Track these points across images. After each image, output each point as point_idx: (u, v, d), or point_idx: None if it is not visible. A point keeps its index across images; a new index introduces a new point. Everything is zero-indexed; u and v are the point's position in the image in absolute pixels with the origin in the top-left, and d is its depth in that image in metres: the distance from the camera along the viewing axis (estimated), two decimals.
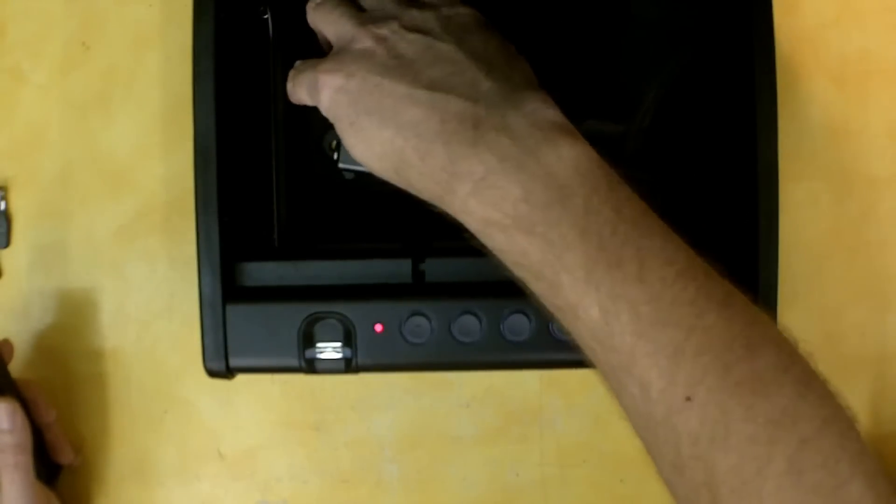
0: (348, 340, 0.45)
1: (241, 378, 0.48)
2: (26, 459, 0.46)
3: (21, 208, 0.54)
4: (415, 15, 0.40)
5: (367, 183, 0.47)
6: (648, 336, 0.33)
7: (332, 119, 0.41)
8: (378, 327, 0.45)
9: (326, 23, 0.42)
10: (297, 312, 0.45)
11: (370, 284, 0.46)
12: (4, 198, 0.54)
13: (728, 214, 0.47)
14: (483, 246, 0.38)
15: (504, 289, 0.46)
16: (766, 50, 0.46)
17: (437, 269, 0.47)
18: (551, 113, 0.37)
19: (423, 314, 0.45)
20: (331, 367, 0.46)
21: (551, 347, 0.45)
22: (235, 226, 0.46)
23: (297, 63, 0.43)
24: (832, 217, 0.54)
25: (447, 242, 0.49)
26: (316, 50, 0.48)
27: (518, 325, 0.45)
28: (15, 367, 0.50)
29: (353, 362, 0.45)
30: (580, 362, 0.47)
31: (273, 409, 0.54)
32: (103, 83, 0.54)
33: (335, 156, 0.47)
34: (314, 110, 0.51)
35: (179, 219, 0.54)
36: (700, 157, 0.49)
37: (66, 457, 0.51)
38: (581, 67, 0.49)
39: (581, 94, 0.45)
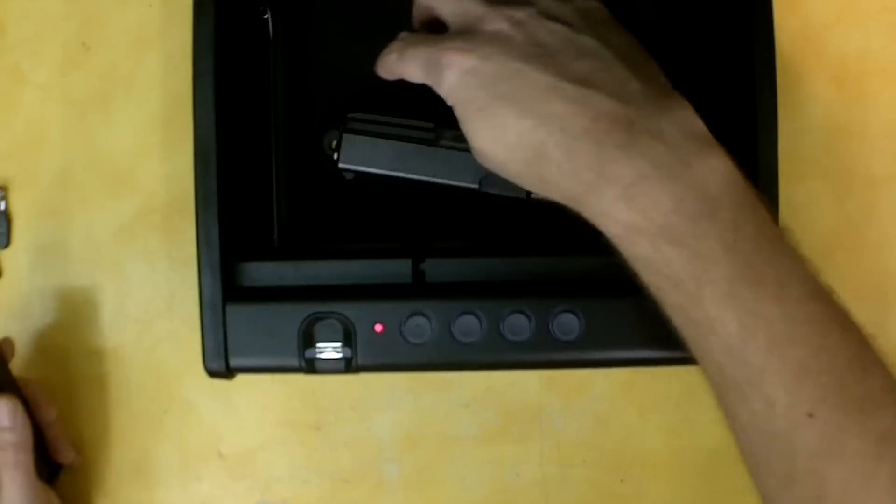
0: (348, 340, 0.45)
1: (241, 378, 0.48)
2: (26, 458, 0.46)
3: (21, 208, 0.54)
4: (550, 4, 0.39)
5: (368, 183, 0.47)
6: (780, 353, 0.34)
7: (453, 101, 0.39)
8: (378, 327, 0.45)
9: (448, 2, 0.40)
10: (297, 312, 0.45)
11: (370, 284, 0.46)
12: (4, 198, 0.54)
13: None
14: (616, 252, 0.37)
15: (504, 289, 0.46)
16: (766, 50, 0.46)
17: (437, 269, 0.47)
18: (699, 123, 0.37)
19: (423, 314, 0.45)
20: (331, 367, 0.46)
21: (551, 347, 0.45)
22: (235, 226, 0.46)
23: (404, 34, 0.41)
24: (832, 217, 0.54)
25: (447, 242, 0.49)
26: (318, 49, 0.48)
27: (518, 325, 0.45)
28: (15, 367, 0.50)
29: (353, 362, 0.45)
30: (580, 362, 0.47)
31: (273, 409, 0.54)
32: (103, 83, 0.54)
33: (335, 156, 0.47)
34: (314, 110, 0.52)
35: (179, 219, 0.54)
36: None
37: (66, 456, 0.51)
38: None
39: None
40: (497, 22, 0.38)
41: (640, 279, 0.37)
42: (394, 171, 0.46)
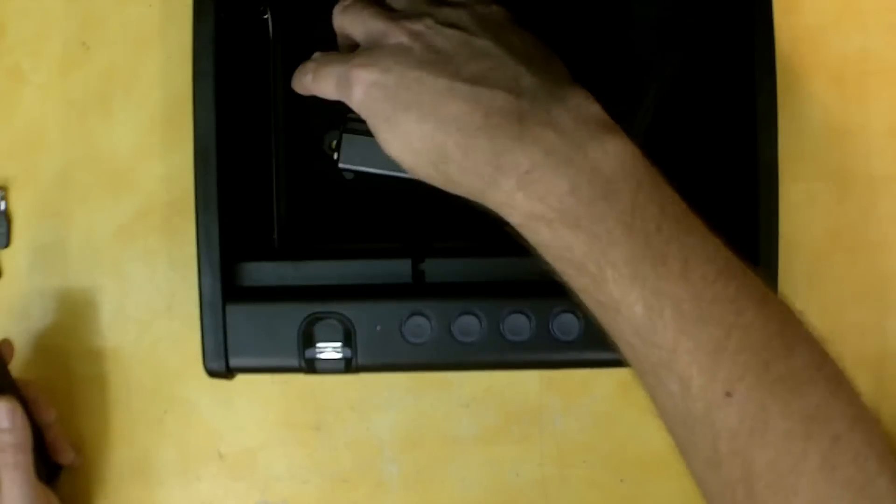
0: (348, 340, 0.45)
1: (241, 378, 0.48)
2: (26, 459, 0.46)
3: (21, 208, 0.54)
4: (448, 12, 0.40)
5: (368, 183, 0.47)
6: (690, 333, 0.34)
7: (364, 115, 0.40)
8: (378, 327, 0.45)
9: (356, 23, 0.42)
10: (297, 312, 0.45)
11: (370, 284, 0.46)
12: (4, 198, 0.54)
13: (728, 214, 0.47)
14: (523, 241, 0.38)
15: (504, 289, 0.46)
16: (766, 50, 0.46)
17: (437, 269, 0.47)
18: (595, 108, 0.37)
19: (423, 314, 0.45)
20: (331, 367, 0.46)
21: (551, 347, 0.45)
22: (235, 226, 0.46)
23: (318, 55, 0.43)
24: (832, 217, 0.54)
25: (447, 242, 0.49)
26: (318, 49, 0.48)
27: (518, 325, 0.45)
28: (15, 367, 0.50)
29: (353, 362, 0.45)
30: (580, 362, 0.47)
31: (273, 409, 0.54)
32: (103, 83, 0.54)
33: (335, 156, 0.47)
34: (314, 110, 0.52)
35: (179, 219, 0.54)
36: (700, 157, 0.49)
37: (66, 457, 0.51)
38: (581, 67, 0.49)
39: None
40: (397, 35, 0.40)
41: (547, 266, 0.37)
42: (394, 171, 0.46)
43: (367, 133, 0.46)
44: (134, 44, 0.54)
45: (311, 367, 0.46)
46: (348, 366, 0.46)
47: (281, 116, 0.50)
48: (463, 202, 0.47)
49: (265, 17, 0.49)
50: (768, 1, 0.46)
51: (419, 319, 0.45)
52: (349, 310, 0.45)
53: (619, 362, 0.47)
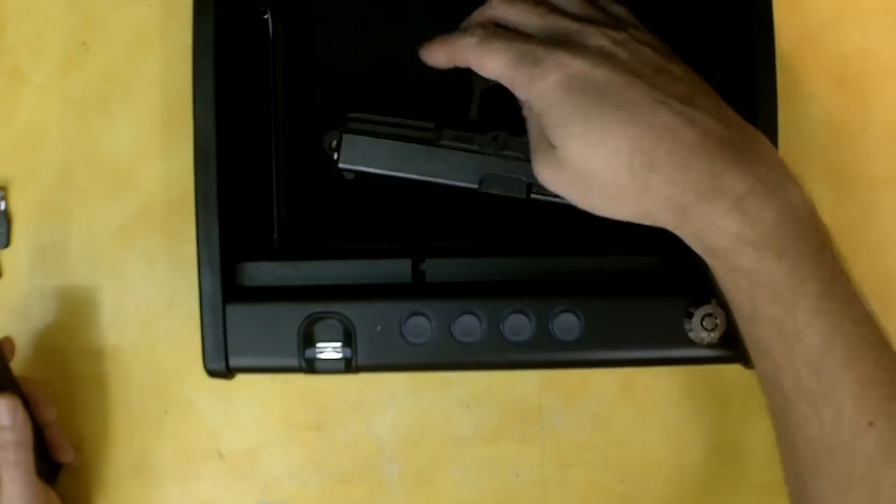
0: (348, 340, 0.45)
1: (241, 378, 0.48)
2: (26, 457, 0.46)
3: (21, 208, 0.54)
4: (642, 33, 0.41)
5: (368, 183, 0.47)
6: (852, 367, 0.37)
7: (548, 102, 0.38)
8: (378, 327, 0.45)
9: (533, 14, 0.41)
10: (297, 312, 0.45)
11: (370, 284, 0.46)
12: (4, 198, 0.54)
13: None
14: (701, 263, 0.39)
15: (504, 289, 0.46)
16: (766, 50, 0.46)
17: (437, 269, 0.47)
18: (778, 154, 0.40)
19: (423, 314, 0.45)
20: (331, 367, 0.46)
21: (551, 347, 0.45)
22: (235, 226, 0.46)
23: (478, 29, 0.41)
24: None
25: (447, 242, 0.49)
26: (318, 49, 0.48)
27: (518, 325, 0.45)
28: (15, 367, 0.50)
29: (353, 362, 0.45)
30: (580, 362, 0.47)
31: (273, 409, 0.54)
32: (103, 83, 0.54)
33: (335, 156, 0.47)
34: (314, 110, 0.52)
35: (179, 219, 0.54)
36: None
37: (66, 455, 0.51)
38: None
39: None
40: (598, 38, 0.39)
41: (729, 293, 0.40)
42: (394, 171, 0.46)
43: (368, 133, 0.46)
44: (134, 44, 0.54)
45: (311, 367, 0.46)
46: (348, 366, 0.46)
47: (281, 116, 0.50)
48: (463, 202, 0.47)
49: (265, 17, 0.49)
50: (768, 1, 0.46)
51: (419, 319, 0.45)
52: (349, 310, 0.45)
53: (619, 362, 0.47)
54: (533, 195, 0.46)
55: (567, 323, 0.45)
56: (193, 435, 0.54)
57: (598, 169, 0.38)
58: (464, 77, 0.47)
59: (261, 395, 0.54)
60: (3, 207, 0.54)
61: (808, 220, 0.38)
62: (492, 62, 0.40)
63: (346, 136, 0.46)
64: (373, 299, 0.45)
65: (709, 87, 0.40)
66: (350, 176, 0.47)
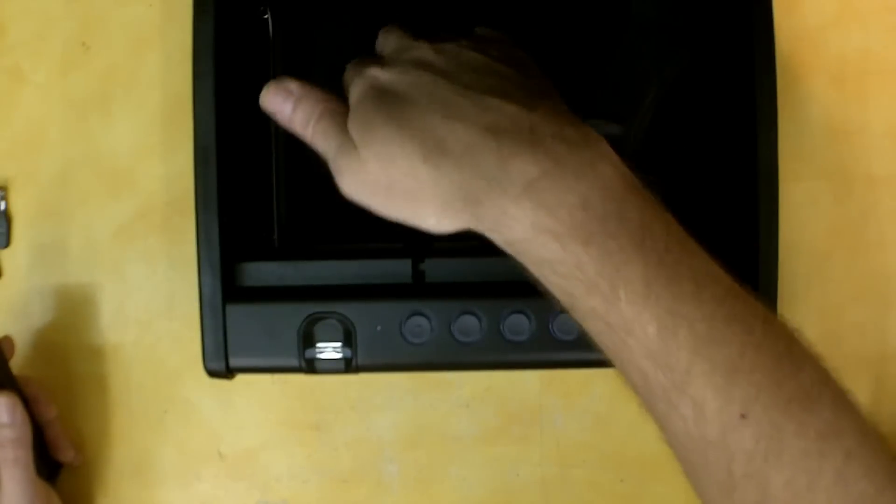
0: (348, 340, 0.45)
1: (241, 378, 0.48)
2: (26, 454, 0.46)
3: (21, 208, 0.54)
4: (473, 42, 0.40)
5: None
6: (705, 354, 0.33)
7: (354, 110, 0.38)
8: (378, 327, 0.45)
9: (389, 40, 0.42)
10: (297, 312, 0.45)
11: (370, 284, 0.46)
12: (4, 198, 0.54)
13: (728, 214, 0.47)
14: (515, 261, 0.36)
15: (504, 289, 0.46)
16: (766, 50, 0.46)
17: (437, 269, 0.47)
18: (600, 138, 0.36)
19: (423, 314, 0.45)
20: (331, 367, 0.46)
21: (551, 347, 0.45)
22: (235, 226, 0.46)
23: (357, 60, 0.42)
24: (832, 217, 0.54)
25: (447, 242, 0.49)
26: (318, 49, 0.48)
27: (518, 325, 0.45)
28: (15, 366, 0.50)
29: (353, 362, 0.45)
30: (580, 362, 0.47)
31: (273, 409, 0.54)
32: (103, 83, 0.54)
33: None
34: None
35: (179, 219, 0.54)
36: (700, 158, 0.49)
37: (66, 454, 0.51)
38: (581, 67, 0.49)
39: (581, 94, 0.45)
40: (422, 50, 0.39)
41: (546, 287, 0.36)
42: None
43: None
44: (134, 44, 0.54)
45: (311, 367, 0.46)
46: (348, 366, 0.46)
47: None
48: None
49: (265, 17, 0.49)
50: (768, 1, 0.46)
51: (419, 319, 0.45)
52: (349, 310, 0.45)
53: None
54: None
55: (567, 323, 0.45)
56: (193, 435, 0.54)
57: (395, 159, 0.36)
58: None
59: (261, 395, 0.54)
60: (3, 207, 0.54)
61: (626, 198, 0.34)
62: (348, 87, 0.40)
63: None
64: (373, 299, 0.45)
65: (540, 82, 0.39)
66: None
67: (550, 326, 0.45)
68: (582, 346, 0.45)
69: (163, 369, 0.54)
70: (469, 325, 0.45)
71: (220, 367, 0.46)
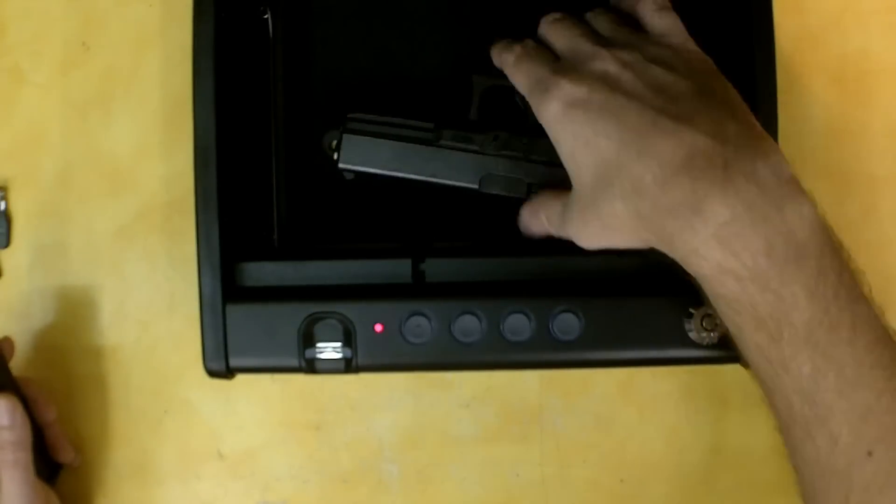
0: (348, 340, 0.45)
1: (241, 378, 0.48)
2: (26, 456, 0.46)
3: (21, 208, 0.54)
4: (657, 50, 0.40)
5: (368, 183, 0.47)
6: (847, 396, 0.36)
7: (556, 129, 0.40)
8: (378, 327, 0.45)
9: (563, 37, 0.42)
10: (297, 312, 0.45)
11: (370, 284, 0.46)
12: (4, 198, 0.54)
13: None
14: (695, 284, 0.39)
15: (504, 289, 0.46)
16: (766, 50, 0.46)
17: (437, 269, 0.47)
18: (790, 169, 0.38)
19: (423, 314, 0.45)
20: (331, 367, 0.46)
21: (551, 347, 0.45)
22: (235, 226, 0.46)
23: (529, 42, 0.43)
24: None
25: (447, 242, 0.49)
26: (318, 49, 0.48)
27: (518, 325, 0.45)
28: (15, 367, 0.50)
29: (353, 362, 0.45)
30: (580, 362, 0.47)
31: (273, 409, 0.54)
32: (103, 83, 0.54)
33: (335, 156, 0.47)
34: (314, 110, 0.51)
35: (179, 219, 0.54)
36: None
37: (66, 455, 0.51)
38: None
39: None
40: (606, 62, 0.40)
41: (720, 315, 0.39)
42: (393, 171, 0.46)
43: (368, 133, 0.46)
44: (134, 44, 0.54)
45: (311, 367, 0.46)
46: (348, 366, 0.46)
47: (281, 116, 0.50)
48: (463, 202, 0.47)
49: (265, 17, 0.49)
50: (768, 1, 0.46)
51: (419, 319, 0.45)
52: (349, 310, 0.45)
53: (619, 362, 0.47)
54: (533, 195, 0.46)
55: (567, 323, 0.45)
56: (193, 435, 0.54)
57: (596, 197, 0.39)
58: (464, 77, 0.47)
59: (261, 395, 0.54)
60: (3, 207, 0.54)
61: (808, 243, 0.36)
62: (518, 83, 0.43)
63: (346, 137, 0.46)
64: (373, 299, 0.45)
65: (724, 94, 0.40)
66: (350, 176, 0.47)
67: (550, 326, 0.45)
68: (582, 346, 0.45)
69: (163, 369, 0.54)
70: (469, 325, 0.45)
71: (220, 367, 0.46)
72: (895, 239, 0.54)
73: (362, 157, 0.46)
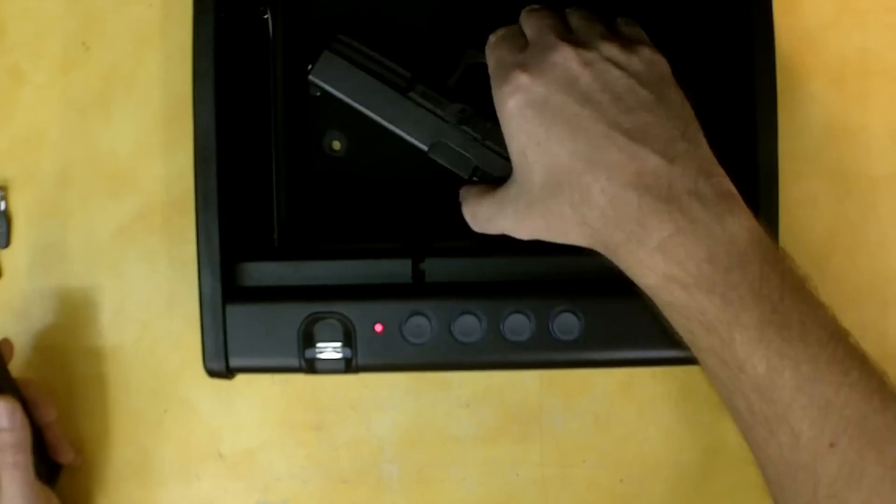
0: (348, 340, 0.45)
1: (241, 378, 0.48)
2: (25, 458, 0.46)
3: (21, 208, 0.54)
4: (618, 52, 0.41)
5: (367, 183, 0.47)
6: (805, 391, 0.37)
7: (509, 126, 0.41)
8: (378, 327, 0.45)
9: (533, 27, 0.43)
10: (297, 312, 0.45)
11: (370, 284, 0.46)
12: (4, 198, 0.54)
13: None
14: (649, 300, 0.40)
15: (504, 289, 0.46)
16: (766, 50, 0.46)
17: (437, 269, 0.47)
18: (730, 184, 0.40)
19: (423, 314, 0.45)
20: (331, 367, 0.46)
21: (551, 347, 0.45)
22: (235, 226, 0.46)
23: (509, 28, 0.44)
24: (832, 217, 0.54)
25: (447, 242, 0.49)
26: (318, 49, 0.48)
27: (518, 325, 0.45)
28: (15, 367, 0.50)
29: (353, 362, 0.45)
30: (580, 362, 0.47)
31: (273, 409, 0.54)
32: (103, 83, 0.54)
33: (309, 66, 0.47)
34: (314, 110, 0.52)
35: (179, 219, 0.54)
36: None
37: (66, 456, 0.51)
38: None
39: None
40: (567, 57, 0.40)
41: (671, 324, 0.40)
42: (357, 102, 0.47)
43: (348, 59, 0.47)
44: (134, 44, 0.54)
45: (311, 367, 0.46)
46: (348, 366, 0.46)
47: (281, 116, 0.50)
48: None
49: (265, 17, 0.49)
50: (768, 1, 0.46)
51: (419, 319, 0.45)
52: (349, 310, 0.45)
53: (619, 362, 0.47)
54: (474, 179, 0.47)
55: (567, 323, 0.45)
56: (193, 435, 0.54)
57: (545, 196, 0.40)
58: (460, 50, 0.48)
59: (261, 395, 0.54)
60: (3, 207, 0.54)
61: (749, 251, 0.38)
62: (489, 65, 0.43)
63: (326, 53, 0.47)
64: (373, 299, 0.45)
65: (678, 108, 0.41)
66: (315, 92, 0.48)
67: (550, 326, 0.45)
68: (582, 346, 0.45)
69: (163, 369, 0.54)
70: (469, 325, 0.45)
71: (220, 367, 0.46)
72: (895, 239, 0.54)
73: (333, 77, 0.47)
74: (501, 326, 0.45)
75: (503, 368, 0.50)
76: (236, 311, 0.45)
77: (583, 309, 0.45)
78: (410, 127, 0.47)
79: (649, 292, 0.40)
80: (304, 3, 0.51)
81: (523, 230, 0.42)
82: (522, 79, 0.40)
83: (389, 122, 0.47)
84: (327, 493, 0.54)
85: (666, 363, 0.46)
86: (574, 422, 0.54)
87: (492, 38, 0.44)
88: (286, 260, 0.47)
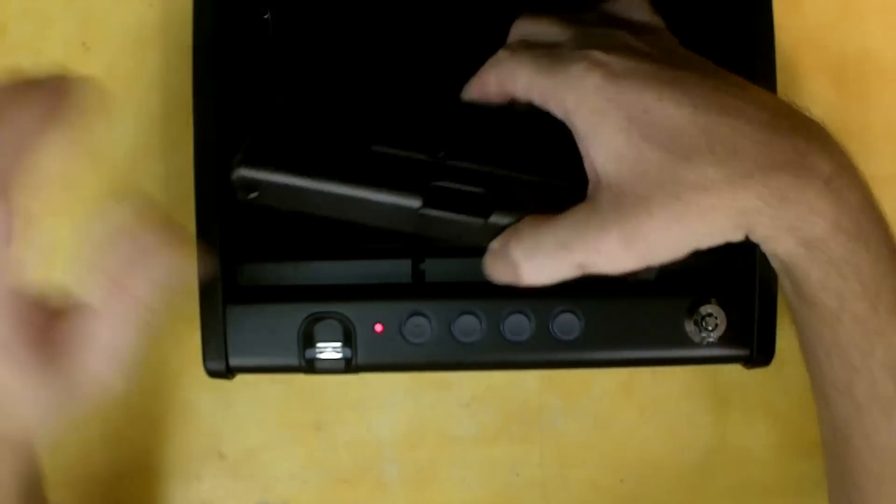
0: (348, 340, 0.45)
1: (241, 378, 0.48)
2: None
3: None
4: (656, 39, 0.38)
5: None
6: None
7: (592, 108, 0.34)
8: (378, 327, 0.45)
9: (558, 25, 0.38)
10: (297, 312, 0.45)
11: (370, 284, 0.46)
12: None
13: None
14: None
15: (504, 289, 0.46)
16: (766, 50, 0.46)
17: (437, 269, 0.47)
18: None
19: (423, 314, 0.45)
20: (331, 367, 0.46)
21: (551, 347, 0.45)
22: (235, 226, 0.46)
23: (513, 44, 0.39)
24: None
25: (447, 242, 0.49)
26: (316, 49, 0.48)
27: (518, 325, 0.45)
28: None
29: (353, 362, 0.45)
30: (580, 362, 0.47)
31: (273, 409, 0.54)
32: (103, 83, 0.54)
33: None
34: (314, 110, 0.51)
35: (179, 219, 0.54)
36: None
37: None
38: None
39: None
40: (625, 38, 0.37)
41: (816, 295, 0.35)
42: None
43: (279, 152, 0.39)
44: (134, 44, 0.54)
45: (311, 367, 0.46)
46: (348, 366, 0.46)
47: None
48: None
49: (265, 17, 0.49)
50: (768, 1, 0.46)
51: (419, 319, 0.45)
52: (349, 310, 0.45)
53: (619, 362, 0.47)
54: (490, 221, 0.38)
55: (567, 323, 0.45)
56: (193, 435, 0.54)
57: (676, 174, 0.33)
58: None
59: (261, 395, 0.54)
60: None
61: (879, 208, 0.35)
62: (521, 72, 0.37)
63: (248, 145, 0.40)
64: (373, 299, 0.45)
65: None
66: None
67: (550, 326, 0.45)
68: (582, 346, 0.45)
69: (163, 369, 0.54)
70: (469, 325, 0.45)
71: (220, 367, 0.46)
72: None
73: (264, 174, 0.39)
74: (501, 326, 0.45)
75: (503, 368, 0.50)
76: (236, 311, 0.45)
77: (583, 309, 0.45)
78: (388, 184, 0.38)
79: (813, 248, 0.34)
80: (304, 3, 0.51)
81: (630, 247, 0.35)
82: (595, 54, 0.35)
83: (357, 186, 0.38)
84: (327, 493, 0.54)
85: (666, 363, 0.46)
86: (574, 422, 0.54)
87: (501, 54, 0.38)
88: (286, 260, 0.47)
